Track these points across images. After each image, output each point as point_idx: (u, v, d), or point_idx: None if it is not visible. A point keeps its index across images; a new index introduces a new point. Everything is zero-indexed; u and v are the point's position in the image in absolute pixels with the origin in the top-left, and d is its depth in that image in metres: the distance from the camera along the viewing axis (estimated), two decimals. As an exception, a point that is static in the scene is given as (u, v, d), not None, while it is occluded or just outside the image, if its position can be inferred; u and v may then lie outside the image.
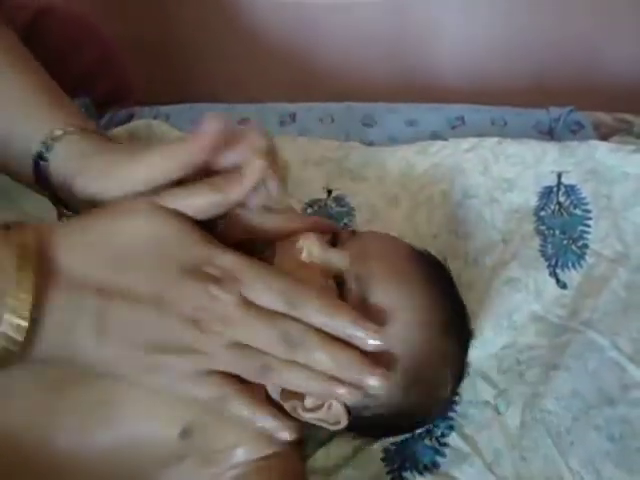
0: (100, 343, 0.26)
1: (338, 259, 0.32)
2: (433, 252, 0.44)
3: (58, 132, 0.33)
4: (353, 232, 0.37)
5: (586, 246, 0.45)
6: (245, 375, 0.28)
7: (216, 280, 0.27)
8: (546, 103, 0.62)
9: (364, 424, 0.32)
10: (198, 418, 0.29)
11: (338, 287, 0.31)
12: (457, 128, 0.59)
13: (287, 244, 0.32)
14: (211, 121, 0.30)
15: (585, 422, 0.35)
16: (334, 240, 0.35)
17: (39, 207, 0.44)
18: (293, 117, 0.60)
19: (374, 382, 0.28)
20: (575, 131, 0.58)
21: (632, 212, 0.46)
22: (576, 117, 0.59)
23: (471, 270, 0.43)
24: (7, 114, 0.35)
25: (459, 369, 0.37)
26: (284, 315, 0.27)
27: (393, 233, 0.43)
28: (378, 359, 0.29)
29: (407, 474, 0.34)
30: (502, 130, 0.58)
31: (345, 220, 0.46)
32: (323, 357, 0.27)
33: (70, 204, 0.34)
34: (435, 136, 0.57)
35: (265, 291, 0.27)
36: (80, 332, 0.26)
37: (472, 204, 0.47)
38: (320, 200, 0.48)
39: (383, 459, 0.35)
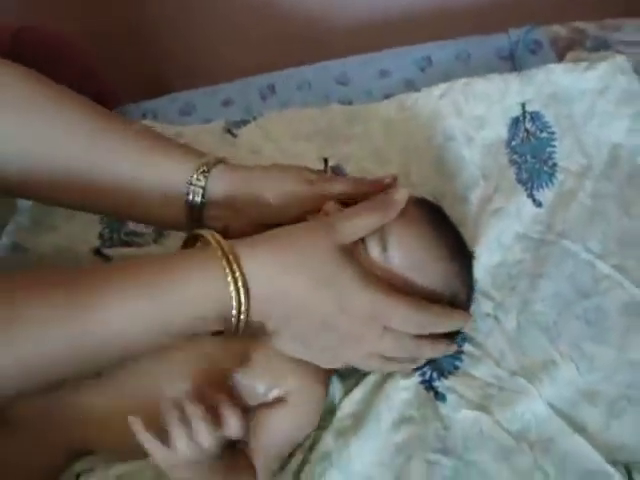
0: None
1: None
2: (427, 196, 0.51)
3: (204, 166, 0.39)
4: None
5: (555, 165, 0.51)
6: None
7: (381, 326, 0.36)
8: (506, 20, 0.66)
9: None
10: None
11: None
12: (426, 70, 0.63)
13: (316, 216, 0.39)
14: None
15: (567, 315, 0.44)
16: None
17: (79, 231, 0.51)
18: (272, 89, 0.64)
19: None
20: (534, 51, 0.63)
21: (590, 125, 0.53)
22: (534, 35, 0.64)
23: (460, 207, 0.50)
24: (130, 163, 0.39)
25: (470, 281, 0.45)
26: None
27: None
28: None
29: (437, 382, 0.42)
30: (467, 63, 0.63)
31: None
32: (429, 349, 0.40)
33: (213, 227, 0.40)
34: (408, 83, 0.62)
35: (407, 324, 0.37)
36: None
37: (452, 146, 0.53)
38: (320, 172, 0.54)
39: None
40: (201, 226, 0.40)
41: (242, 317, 0.33)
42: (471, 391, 0.42)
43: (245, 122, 0.58)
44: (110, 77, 0.72)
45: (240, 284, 0.32)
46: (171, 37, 0.75)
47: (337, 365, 0.39)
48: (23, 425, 0.37)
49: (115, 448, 0.39)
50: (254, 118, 0.58)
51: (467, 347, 0.44)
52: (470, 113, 0.54)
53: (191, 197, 0.39)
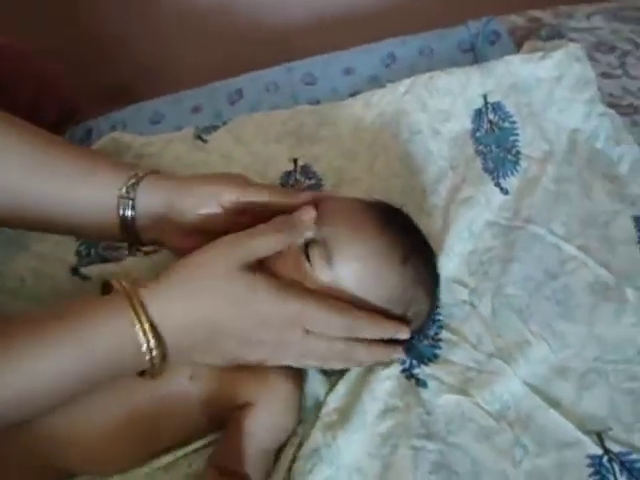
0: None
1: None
2: (397, 191, 0.52)
3: (132, 179, 0.40)
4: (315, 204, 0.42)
5: (518, 153, 0.53)
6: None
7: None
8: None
9: None
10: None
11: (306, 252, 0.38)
12: (390, 66, 0.64)
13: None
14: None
15: (538, 296, 0.46)
16: None
17: (55, 249, 0.50)
18: (240, 93, 0.64)
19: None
20: (494, 42, 0.65)
21: (550, 112, 0.55)
22: (493, 26, 0.65)
23: (430, 199, 0.52)
24: (67, 181, 0.40)
25: (430, 283, 0.44)
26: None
27: (361, 188, 0.52)
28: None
29: (417, 370, 0.44)
30: (430, 58, 0.64)
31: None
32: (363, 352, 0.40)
33: (149, 237, 0.42)
34: (373, 79, 0.63)
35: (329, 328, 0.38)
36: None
37: (419, 140, 0.55)
38: (290, 173, 0.54)
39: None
40: (137, 237, 0.42)
41: (155, 354, 0.34)
42: (451, 376, 0.43)
43: (215, 127, 0.58)
44: (76, 89, 0.71)
45: (146, 325, 0.33)
46: (134, 46, 0.74)
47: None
48: (3, 452, 0.38)
49: (99, 471, 0.40)
50: (224, 123, 0.59)
51: (444, 334, 0.46)
52: (435, 107, 0.56)
53: (122, 210, 0.40)
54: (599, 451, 0.39)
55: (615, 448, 0.39)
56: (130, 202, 0.40)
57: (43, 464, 0.39)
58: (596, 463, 0.39)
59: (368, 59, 0.65)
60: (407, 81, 0.57)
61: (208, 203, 0.41)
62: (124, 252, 0.50)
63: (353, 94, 0.61)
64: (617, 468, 0.39)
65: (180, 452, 0.41)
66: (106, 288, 0.36)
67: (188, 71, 0.66)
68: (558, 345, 0.44)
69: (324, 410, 0.42)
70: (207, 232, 0.40)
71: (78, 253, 0.50)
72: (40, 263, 0.49)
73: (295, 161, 0.55)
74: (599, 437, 0.39)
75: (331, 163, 0.54)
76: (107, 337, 0.33)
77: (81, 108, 0.68)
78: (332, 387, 0.43)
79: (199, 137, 0.57)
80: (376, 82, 0.62)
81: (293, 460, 0.40)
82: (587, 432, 0.40)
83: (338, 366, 0.42)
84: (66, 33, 0.70)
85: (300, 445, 0.41)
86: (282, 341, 0.37)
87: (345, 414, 0.41)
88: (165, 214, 0.41)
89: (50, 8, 0.66)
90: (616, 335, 0.44)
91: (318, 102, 0.61)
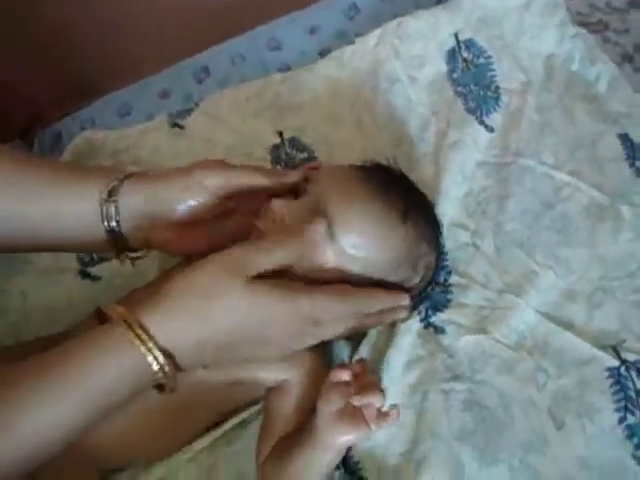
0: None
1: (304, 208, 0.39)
2: (387, 146, 0.52)
3: (114, 182, 0.39)
4: (306, 179, 0.42)
5: (498, 88, 0.53)
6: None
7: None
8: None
9: None
10: None
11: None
12: (355, 18, 0.63)
13: (264, 220, 0.40)
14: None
15: (537, 228, 0.47)
16: (296, 192, 0.42)
17: (57, 259, 0.50)
18: (206, 70, 0.62)
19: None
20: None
21: (523, 40, 0.54)
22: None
23: (418, 148, 0.52)
24: (49, 196, 0.39)
25: (433, 235, 0.45)
26: None
27: (354, 150, 0.51)
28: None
29: (433, 318, 0.45)
30: (393, 2, 0.63)
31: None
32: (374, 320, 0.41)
33: (137, 239, 0.41)
34: (340, 35, 0.62)
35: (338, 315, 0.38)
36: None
37: (398, 89, 0.54)
38: (278, 147, 0.53)
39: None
40: (125, 243, 0.41)
41: (168, 373, 0.33)
42: (467, 318, 0.45)
43: (189, 111, 0.56)
44: (38, 90, 0.68)
45: (155, 351, 0.33)
46: (90, 38, 0.71)
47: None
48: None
49: (141, 460, 0.42)
50: (196, 105, 0.57)
51: (453, 279, 0.47)
52: (408, 53, 0.55)
53: (106, 216, 0.39)
54: (616, 363, 0.41)
55: (631, 357, 0.41)
56: (113, 206, 0.39)
57: (87, 462, 0.40)
58: (615, 374, 0.41)
59: (331, 15, 0.63)
60: (376, 32, 0.55)
61: (194, 192, 0.40)
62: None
63: (322, 53, 0.60)
64: (634, 375, 0.41)
65: (218, 432, 0.43)
66: (101, 315, 0.35)
67: (149, 56, 0.63)
68: (563, 271, 0.45)
69: (352, 373, 0.43)
70: (196, 222, 0.40)
71: (80, 259, 0.50)
72: (45, 275, 0.48)
73: (281, 134, 0.54)
74: (614, 350, 0.42)
75: (317, 131, 0.53)
76: (116, 370, 0.32)
77: (46, 109, 0.65)
78: (354, 351, 0.44)
79: (175, 124, 0.56)
80: (343, 37, 0.61)
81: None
82: (602, 347, 0.42)
83: (344, 333, 0.41)
84: (19, 34, 0.66)
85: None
86: (295, 334, 0.37)
87: (372, 373, 0.42)
88: (151, 211, 0.40)
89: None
90: (617, 252, 0.45)
91: (288, 68, 0.60)
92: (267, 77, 0.58)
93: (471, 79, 0.54)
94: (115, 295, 0.45)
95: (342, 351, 0.45)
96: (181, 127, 0.56)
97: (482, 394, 0.41)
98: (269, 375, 0.41)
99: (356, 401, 0.37)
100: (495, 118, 0.52)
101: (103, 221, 0.39)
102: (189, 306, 0.34)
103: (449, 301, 0.46)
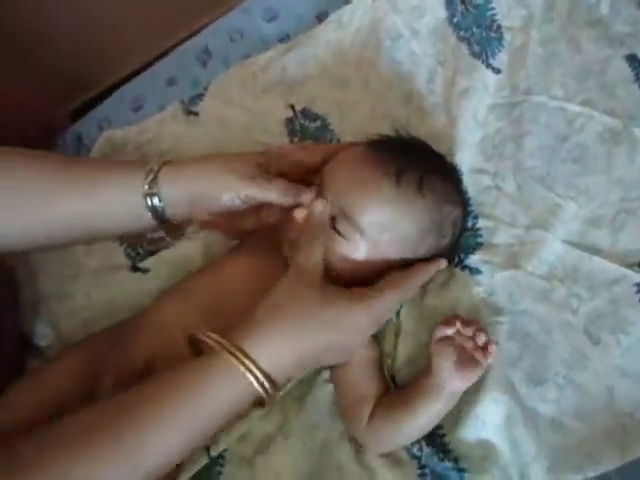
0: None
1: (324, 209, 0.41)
2: (397, 103, 0.53)
3: (150, 174, 0.42)
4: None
5: (500, 27, 0.53)
6: None
7: None
8: None
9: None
10: None
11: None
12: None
13: (287, 228, 0.43)
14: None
15: (555, 161, 0.49)
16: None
17: (106, 259, 0.53)
18: (207, 51, 0.62)
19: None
20: None
21: (519, -28, 0.54)
22: None
23: (429, 100, 0.53)
24: (94, 195, 0.42)
25: (454, 191, 0.46)
26: None
27: (365, 111, 0.52)
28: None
29: (467, 261, 0.48)
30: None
31: (328, 135, 0.54)
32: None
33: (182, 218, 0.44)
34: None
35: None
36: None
37: (400, 45, 0.55)
38: (291, 120, 0.55)
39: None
40: (170, 224, 0.44)
41: (271, 393, 0.36)
42: (498, 257, 0.47)
43: (200, 96, 0.57)
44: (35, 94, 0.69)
45: (261, 377, 0.35)
46: (76, 35, 0.70)
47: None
48: None
49: None
50: (205, 89, 0.58)
51: (481, 222, 0.49)
52: (406, 5, 0.55)
53: (150, 205, 0.42)
54: (643, 278, 0.44)
55: (657, 270, 0.44)
56: (156, 197, 0.42)
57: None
58: (643, 288, 0.44)
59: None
60: (371, -13, 0.55)
61: (224, 198, 0.43)
62: (167, 242, 0.53)
63: (319, 16, 0.60)
64: (662, 286, 0.44)
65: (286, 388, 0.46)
66: (193, 342, 0.38)
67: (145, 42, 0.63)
68: (584, 200, 0.48)
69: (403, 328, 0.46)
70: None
71: (128, 255, 0.53)
72: (101, 274, 0.52)
73: (292, 107, 0.55)
74: (641, 267, 0.45)
75: (327, 99, 0.54)
76: (229, 400, 0.35)
77: (60, 119, 0.66)
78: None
79: (190, 112, 0.57)
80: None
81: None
82: (629, 265, 0.45)
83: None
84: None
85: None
86: (369, 333, 0.41)
87: (418, 323, 0.46)
88: (188, 199, 0.43)
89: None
90: (634, 174, 0.47)
91: (288, 36, 0.60)
92: (267, 53, 0.58)
93: (472, 21, 0.54)
94: (164, 283, 0.50)
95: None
96: (196, 114, 0.57)
97: (523, 322, 0.45)
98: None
99: (482, 339, 0.40)
100: (501, 58, 0.53)
101: (149, 210, 0.42)
102: (282, 328, 0.37)
103: (480, 244, 0.49)
